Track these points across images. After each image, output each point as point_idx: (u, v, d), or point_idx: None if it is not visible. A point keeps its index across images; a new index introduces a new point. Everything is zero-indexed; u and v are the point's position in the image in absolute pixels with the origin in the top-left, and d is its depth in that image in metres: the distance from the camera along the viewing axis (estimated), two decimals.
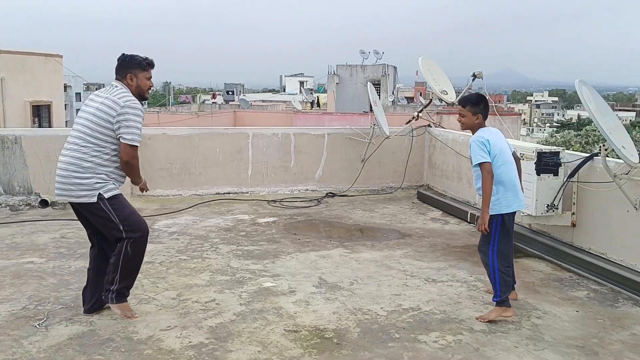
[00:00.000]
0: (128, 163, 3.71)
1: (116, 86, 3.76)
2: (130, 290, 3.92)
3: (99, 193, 3.66)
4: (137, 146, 3.69)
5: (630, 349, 3.52)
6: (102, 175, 3.68)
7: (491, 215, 3.88)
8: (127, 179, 3.92)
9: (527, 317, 3.95)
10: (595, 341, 3.62)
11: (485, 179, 3.83)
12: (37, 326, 3.66)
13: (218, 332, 3.63)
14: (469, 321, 3.86)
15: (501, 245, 3.94)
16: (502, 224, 3.94)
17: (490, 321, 3.83)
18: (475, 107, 4.00)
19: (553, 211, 5.07)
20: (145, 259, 5.01)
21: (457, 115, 4.12)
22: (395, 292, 4.38)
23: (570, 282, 4.70)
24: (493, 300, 3.95)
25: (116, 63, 3.82)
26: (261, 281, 4.52)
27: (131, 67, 3.76)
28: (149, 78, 3.82)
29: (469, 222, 6.50)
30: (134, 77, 3.76)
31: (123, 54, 3.84)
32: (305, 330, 3.67)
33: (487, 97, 4.17)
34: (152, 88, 3.92)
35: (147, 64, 3.80)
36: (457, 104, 4.14)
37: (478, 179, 3.93)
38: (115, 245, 3.78)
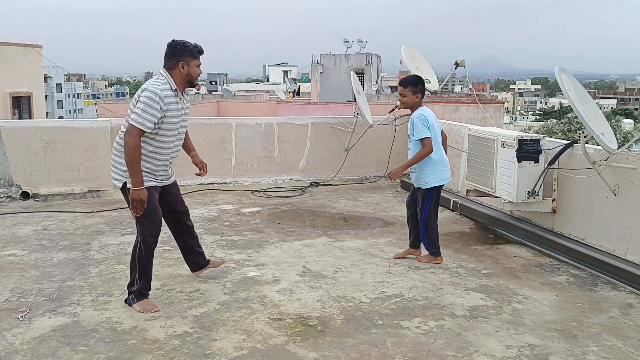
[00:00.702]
0: (126, 146, 3.57)
1: (157, 75, 3.76)
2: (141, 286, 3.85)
3: (125, 182, 3.70)
4: (137, 129, 3.55)
5: (608, 331, 3.60)
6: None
7: (428, 188, 4.62)
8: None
9: (508, 302, 4.01)
10: (575, 325, 3.69)
11: (425, 153, 4.51)
12: (20, 318, 3.64)
13: (203, 321, 3.64)
14: (451, 307, 3.91)
15: (431, 211, 4.69)
16: (435, 194, 4.70)
17: (421, 261, 4.75)
18: (415, 87, 4.60)
19: (534, 198, 5.14)
20: (129, 250, 5.01)
21: (399, 95, 4.68)
22: (379, 279, 4.42)
23: (550, 267, 4.78)
24: (426, 249, 4.77)
25: (166, 49, 3.77)
26: (245, 270, 4.53)
27: (184, 55, 3.74)
28: (199, 65, 3.81)
29: (452, 210, 6.57)
30: (185, 65, 3.74)
31: (174, 41, 3.78)
32: (289, 318, 3.70)
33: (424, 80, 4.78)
34: (200, 75, 3.87)
35: (197, 52, 3.79)
36: (398, 85, 4.73)
37: (413, 152, 4.59)
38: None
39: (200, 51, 3.81)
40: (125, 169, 3.65)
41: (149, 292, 3.89)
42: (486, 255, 5.04)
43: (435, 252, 4.76)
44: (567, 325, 3.68)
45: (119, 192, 7.23)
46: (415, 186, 4.76)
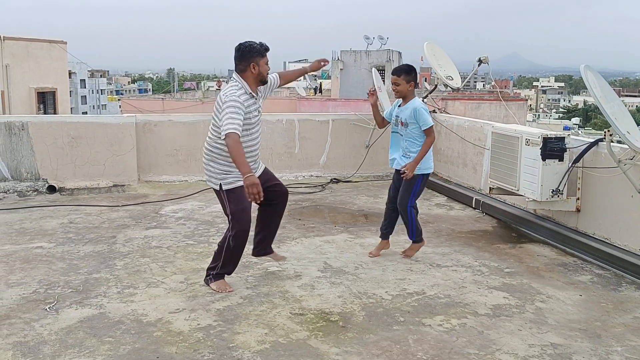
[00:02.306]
0: (227, 146, 3.79)
1: (231, 80, 4.00)
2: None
3: (220, 184, 3.97)
4: (234, 133, 3.73)
5: (633, 332, 3.56)
6: (224, 166, 3.94)
7: (419, 174, 4.64)
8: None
9: (531, 301, 3.99)
10: (598, 324, 3.66)
11: (432, 141, 4.61)
12: (48, 309, 3.72)
13: (225, 314, 3.69)
14: (474, 305, 3.90)
15: (417, 198, 4.75)
16: (424, 181, 4.75)
17: (409, 257, 4.79)
18: (408, 75, 4.63)
19: (558, 196, 5.09)
20: (153, 243, 5.11)
21: (393, 85, 4.67)
22: (400, 276, 4.43)
23: (574, 266, 4.74)
24: (411, 239, 4.80)
25: (235, 53, 3.95)
26: (267, 265, 4.57)
27: (252, 56, 3.92)
28: (267, 62, 3.98)
29: (474, 208, 6.53)
30: (256, 65, 3.92)
31: (240, 45, 3.96)
32: (311, 314, 3.73)
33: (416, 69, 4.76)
34: (269, 70, 4.05)
35: (264, 50, 3.96)
36: (391, 74, 4.74)
37: (414, 140, 4.65)
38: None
39: (266, 49, 3.98)
40: (219, 170, 3.97)
41: (227, 275, 4.14)
42: (509, 254, 5.01)
43: (420, 239, 4.82)
44: (590, 324, 3.65)
45: (144, 187, 7.45)
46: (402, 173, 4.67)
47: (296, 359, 3.17)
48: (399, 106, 4.75)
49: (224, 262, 4.07)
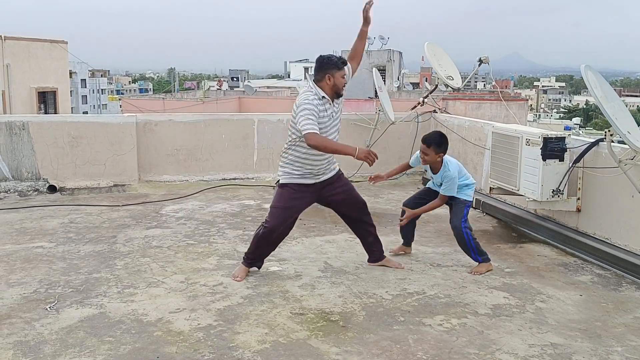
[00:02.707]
0: (316, 147, 4.02)
1: (305, 87, 4.24)
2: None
3: (279, 179, 4.29)
4: (313, 132, 3.96)
5: (633, 332, 3.56)
6: (290, 167, 4.22)
7: (464, 200, 4.60)
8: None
9: (532, 301, 3.99)
10: (599, 324, 3.66)
11: (441, 203, 4.66)
12: (48, 309, 3.73)
13: (226, 314, 3.69)
14: (474, 305, 3.90)
15: (468, 221, 4.63)
16: (469, 207, 4.68)
17: (480, 273, 4.49)
18: (438, 147, 4.50)
19: (558, 196, 5.09)
20: (154, 243, 5.12)
21: (422, 153, 4.58)
22: (401, 276, 4.43)
23: (574, 266, 4.74)
24: (478, 260, 4.55)
25: (315, 64, 4.20)
26: (267, 265, 4.57)
27: (329, 68, 4.12)
28: (343, 76, 4.16)
29: (475, 208, 6.52)
30: (331, 77, 4.12)
31: (321, 56, 4.20)
32: (311, 313, 3.73)
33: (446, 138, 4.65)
34: (346, 84, 4.24)
35: (341, 63, 4.15)
36: (421, 142, 4.63)
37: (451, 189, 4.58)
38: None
39: (344, 62, 4.18)
40: (284, 169, 4.26)
41: (253, 266, 4.38)
42: (509, 254, 5.01)
43: (486, 259, 4.62)
44: (591, 325, 3.65)
45: (144, 186, 7.46)
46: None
47: (296, 358, 3.17)
48: (430, 171, 4.71)
49: (251, 249, 4.35)
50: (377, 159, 3.99)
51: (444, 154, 4.54)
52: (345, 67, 4.19)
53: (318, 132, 3.99)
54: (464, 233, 4.52)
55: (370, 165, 4.01)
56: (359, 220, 4.56)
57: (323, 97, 4.12)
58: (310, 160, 4.19)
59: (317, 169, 4.25)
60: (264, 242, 4.31)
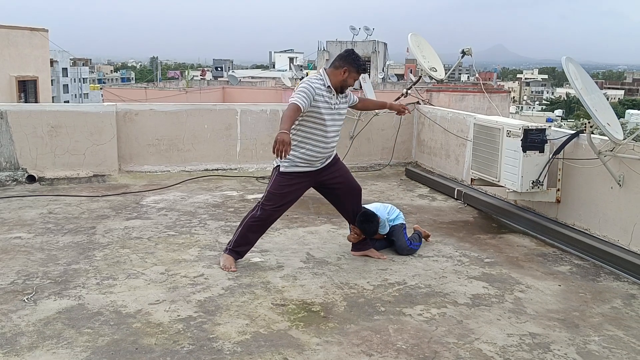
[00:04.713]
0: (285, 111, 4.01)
1: (318, 73, 4.27)
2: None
3: (279, 165, 4.24)
4: (294, 103, 3.98)
5: (610, 321, 3.61)
6: (294, 151, 4.14)
7: (400, 224, 4.80)
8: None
9: (511, 291, 4.03)
10: (577, 314, 3.70)
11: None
12: (26, 300, 3.68)
13: (206, 306, 3.67)
14: (453, 295, 3.93)
15: (407, 234, 4.83)
16: (405, 227, 4.85)
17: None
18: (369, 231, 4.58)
19: (538, 188, 5.13)
20: (134, 234, 5.07)
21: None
22: (382, 267, 4.44)
23: (553, 257, 4.79)
24: (413, 246, 4.78)
25: (342, 52, 4.29)
26: (249, 256, 4.55)
27: (351, 64, 4.19)
28: (355, 80, 4.27)
29: (456, 199, 6.57)
30: (347, 72, 4.18)
31: (352, 50, 4.30)
32: (292, 304, 3.72)
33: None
34: (351, 87, 4.35)
35: (362, 69, 4.28)
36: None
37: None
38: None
39: (365, 70, 4.39)
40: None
41: (240, 256, 4.37)
42: (489, 244, 5.05)
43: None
44: (569, 314, 3.69)
45: (125, 177, 7.38)
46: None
47: (277, 349, 3.16)
48: None
49: (239, 237, 4.32)
50: (285, 155, 3.76)
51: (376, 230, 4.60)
52: (361, 76, 4.40)
53: (300, 107, 3.98)
54: (411, 248, 4.75)
55: (273, 153, 3.78)
56: (351, 206, 4.55)
57: (329, 86, 4.17)
58: (313, 144, 4.17)
59: (320, 155, 4.24)
60: (257, 227, 4.33)
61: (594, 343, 3.33)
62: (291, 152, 4.12)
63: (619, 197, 4.68)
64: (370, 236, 4.62)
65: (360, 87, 8.45)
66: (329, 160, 4.38)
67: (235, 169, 7.89)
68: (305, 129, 4.16)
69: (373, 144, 8.47)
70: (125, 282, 3.99)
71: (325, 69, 4.25)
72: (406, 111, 4.90)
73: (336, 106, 4.25)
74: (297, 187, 4.29)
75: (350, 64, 4.19)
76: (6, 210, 5.78)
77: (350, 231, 4.71)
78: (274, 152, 3.76)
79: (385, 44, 34.10)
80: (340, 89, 4.23)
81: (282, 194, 4.25)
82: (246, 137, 7.96)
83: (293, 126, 4.10)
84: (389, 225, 4.75)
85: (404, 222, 4.85)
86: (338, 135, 4.33)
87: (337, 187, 4.47)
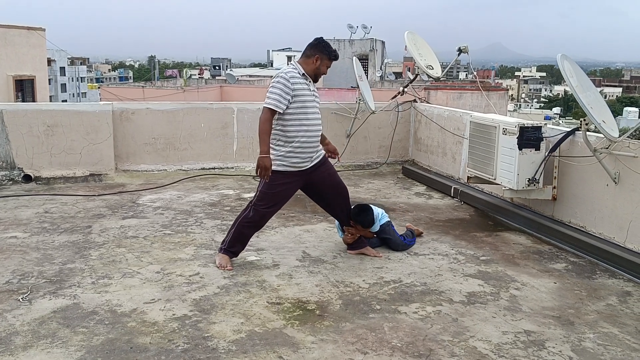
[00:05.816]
0: (259, 120, 4.12)
1: (290, 64, 4.28)
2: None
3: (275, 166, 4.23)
4: (267, 108, 4.06)
5: (605, 319, 3.61)
6: (282, 149, 4.18)
7: (386, 222, 4.80)
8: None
9: (506, 289, 4.03)
10: (572, 312, 3.70)
11: None
12: (21, 300, 3.67)
13: (202, 304, 3.67)
14: (449, 293, 3.93)
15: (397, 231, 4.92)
16: (392, 224, 4.93)
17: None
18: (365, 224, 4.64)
19: (534, 185, 5.13)
20: (130, 233, 5.07)
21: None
22: (378, 265, 4.44)
23: (549, 254, 4.79)
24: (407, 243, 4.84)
25: (312, 41, 4.30)
26: (245, 255, 4.55)
27: (322, 52, 4.25)
28: (328, 67, 4.34)
29: (452, 197, 6.57)
30: (319, 60, 4.24)
31: (322, 39, 4.34)
32: (288, 303, 3.72)
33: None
34: (324, 74, 4.40)
35: (333, 56, 4.31)
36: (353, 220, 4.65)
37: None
38: None
39: (336, 57, 4.34)
40: (275, 153, 4.19)
41: (235, 255, 4.37)
42: (485, 242, 5.05)
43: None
44: (564, 312, 3.70)
45: (121, 176, 7.38)
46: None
47: (272, 347, 3.16)
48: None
49: (233, 237, 4.31)
50: (264, 179, 4.11)
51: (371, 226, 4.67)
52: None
53: (276, 111, 4.06)
54: (407, 243, 4.81)
55: (257, 174, 4.11)
56: (340, 207, 4.57)
57: (303, 74, 4.22)
58: (301, 134, 4.17)
59: (309, 146, 4.24)
60: (250, 228, 4.35)
61: (589, 340, 3.33)
62: (281, 148, 4.18)
63: (614, 195, 4.69)
64: (368, 227, 4.63)
65: (357, 86, 8.45)
66: (317, 160, 4.37)
67: (232, 168, 7.89)
68: (290, 122, 4.15)
69: (370, 142, 8.47)
70: (121, 281, 3.99)
71: (296, 61, 4.30)
72: (337, 158, 4.72)
73: (315, 93, 4.31)
74: (287, 186, 4.29)
75: (321, 52, 4.24)
76: (2, 209, 5.77)
77: (344, 233, 4.71)
78: (258, 176, 3.95)
79: (383, 42, 34.09)
80: (314, 77, 4.29)
81: (274, 193, 4.25)
82: (243, 136, 7.95)
83: (277, 122, 4.16)
84: (378, 223, 4.75)
85: (389, 219, 4.88)
86: (320, 126, 4.33)
87: (325, 188, 4.47)
